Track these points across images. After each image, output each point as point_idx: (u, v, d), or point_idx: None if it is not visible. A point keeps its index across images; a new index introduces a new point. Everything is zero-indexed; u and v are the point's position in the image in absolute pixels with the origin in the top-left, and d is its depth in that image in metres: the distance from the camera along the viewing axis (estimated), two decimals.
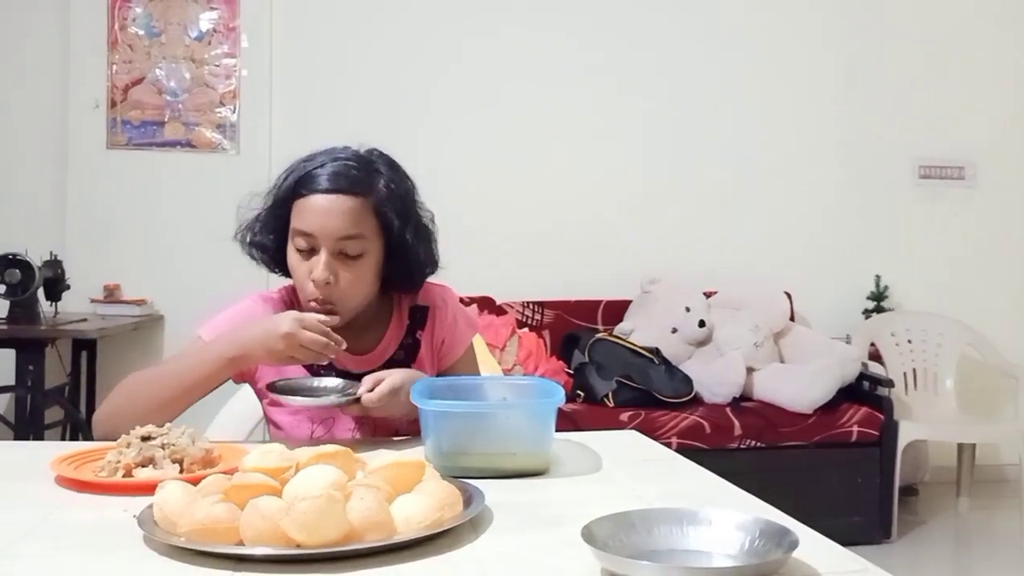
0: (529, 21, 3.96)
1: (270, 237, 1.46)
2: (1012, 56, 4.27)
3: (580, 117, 3.99)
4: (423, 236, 1.48)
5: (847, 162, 4.18)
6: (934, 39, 4.21)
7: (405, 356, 1.53)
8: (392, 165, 1.47)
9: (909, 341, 3.90)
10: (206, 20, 3.78)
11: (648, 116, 4.03)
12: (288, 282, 1.55)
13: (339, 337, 1.34)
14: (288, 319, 1.33)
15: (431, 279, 1.56)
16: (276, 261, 1.49)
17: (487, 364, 3.13)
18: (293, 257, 1.42)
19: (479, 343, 2.81)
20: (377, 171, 1.43)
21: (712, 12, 4.07)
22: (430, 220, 1.51)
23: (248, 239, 1.49)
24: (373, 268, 1.43)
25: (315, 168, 1.40)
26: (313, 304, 1.40)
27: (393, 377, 1.37)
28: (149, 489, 1.01)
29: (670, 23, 4.05)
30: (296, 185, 1.41)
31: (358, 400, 1.35)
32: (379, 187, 1.42)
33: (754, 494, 1.12)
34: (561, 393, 1.26)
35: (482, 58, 3.94)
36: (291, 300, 1.53)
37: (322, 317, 1.34)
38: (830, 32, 4.16)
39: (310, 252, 1.40)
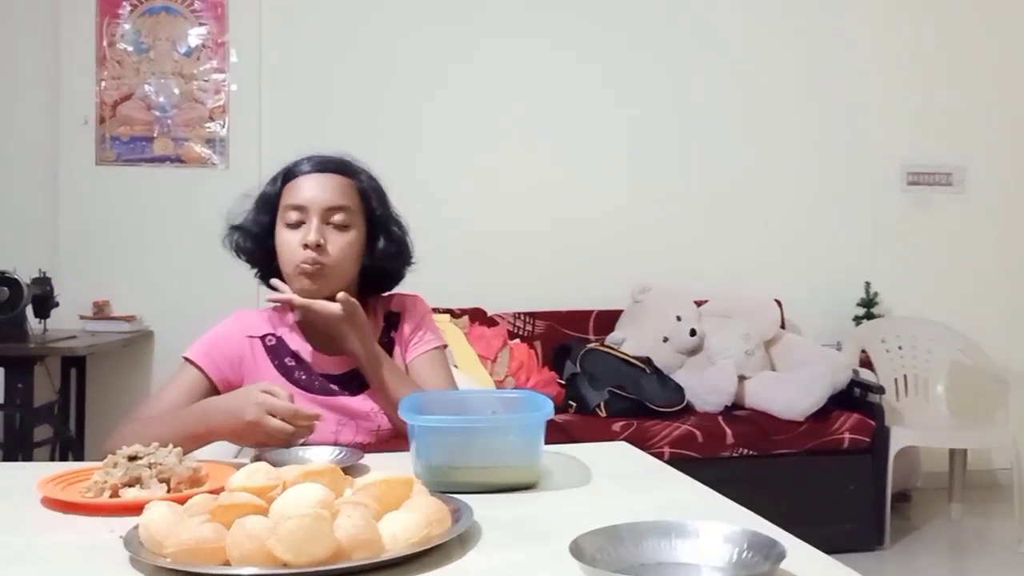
0: (518, 35, 3.97)
1: (257, 221, 1.55)
2: (1000, 62, 4.30)
3: (570, 127, 4.00)
4: (401, 227, 1.61)
5: (835, 169, 4.20)
6: (922, 45, 4.24)
7: None
8: (366, 166, 1.60)
9: (900, 347, 3.91)
10: (195, 36, 3.78)
11: (637, 126, 4.04)
12: (262, 307, 1.62)
13: (311, 418, 1.30)
14: (253, 405, 1.29)
15: (405, 288, 1.66)
16: (259, 254, 1.56)
17: (477, 376, 3.12)
18: (283, 234, 1.51)
19: (468, 360, 2.80)
20: (355, 165, 1.58)
21: (700, 20, 4.09)
22: (402, 219, 1.63)
23: (236, 235, 1.57)
24: (358, 245, 1.53)
25: (301, 160, 1.55)
26: (304, 262, 1.47)
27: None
28: (136, 509, 1.00)
29: (658, 33, 4.07)
30: (287, 173, 1.54)
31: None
32: (360, 175, 1.57)
33: (746, 502, 1.12)
34: (550, 406, 1.26)
35: (472, 72, 3.95)
36: (271, 319, 1.59)
37: (289, 405, 1.29)
38: (818, 39, 4.18)
39: (299, 225, 1.50)
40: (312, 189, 1.50)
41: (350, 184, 1.53)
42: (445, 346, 1.68)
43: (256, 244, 1.56)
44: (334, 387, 1.55)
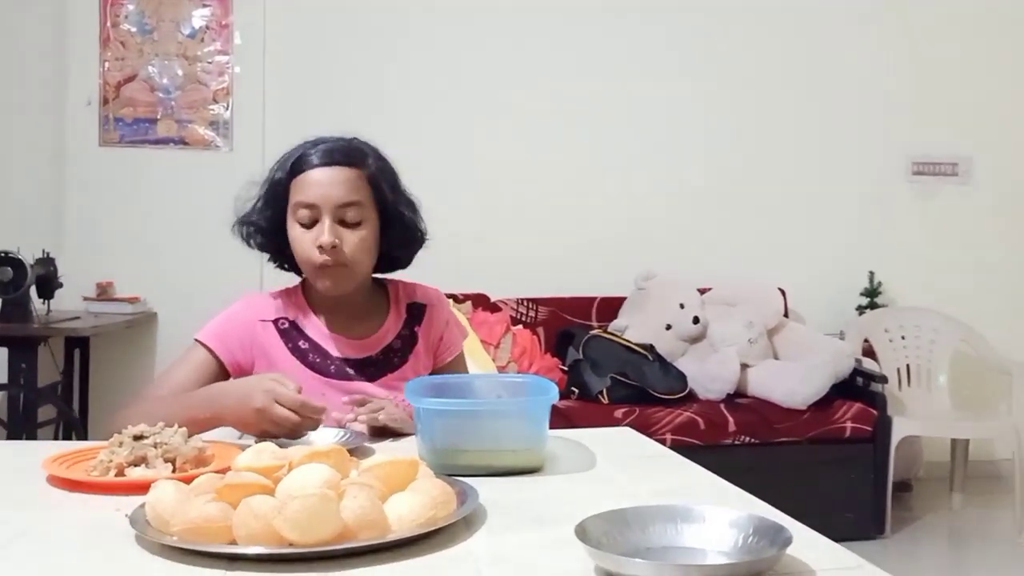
0: (524, 21, 3.95)
1: (267, 215, 1.53)
2: (1005, 51, 4.28)
3: (574, 115, 3.98)
4: (412, 207, 1.58)
5: (841, 158, 4.18)
6: (927, 34, 4.21)
7: (403, 345, 1.60)
8: (374, 147, 1.56)
9: (903, 337, 3.91)
10: (199, 17, 3.77)
11: (641, 114, 4.03)
12: (279, 286, 1.61)
13: (317, 411, 1.30)
14: (261, 393, 1.29)
15: (426, 282, 1.66)
16: (272, 245, 1.56)
17: (480, 362, 3.13)
18: (296, 231, 1.49)
19: (471, 345, 2.84)
20: (363, 150, 1.54)
21: (706, 10, 4.06)
22: (413, 196, 1.60)
23: (245, 225, 1.55)
24: (372, 236, 1.51)
25: (308, 149, 1.51)
26: (322, 264, 1.46)
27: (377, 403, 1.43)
28: (142, 488, 1.00)
29: (664, 22, 4.05)
30: (293, 166, 1.50)
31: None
32: (369, 162, 1.52)
33: (748, 490, 1.12)
34: (555, 390, 1.26)
35: (479, 56, 3.93)
36: (283, 303, 1.58)
37: (296, 396, 1.29)
38: (822, 29, 4.15)
39: (312, 224, 1.47)
40: (322, 186, 1.46)
41: (359, 175, 1.49)
42: (466, 336, 1.71)
43: (268, 238, 1.55)
44: (350, 371, 1.54)
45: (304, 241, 1.48)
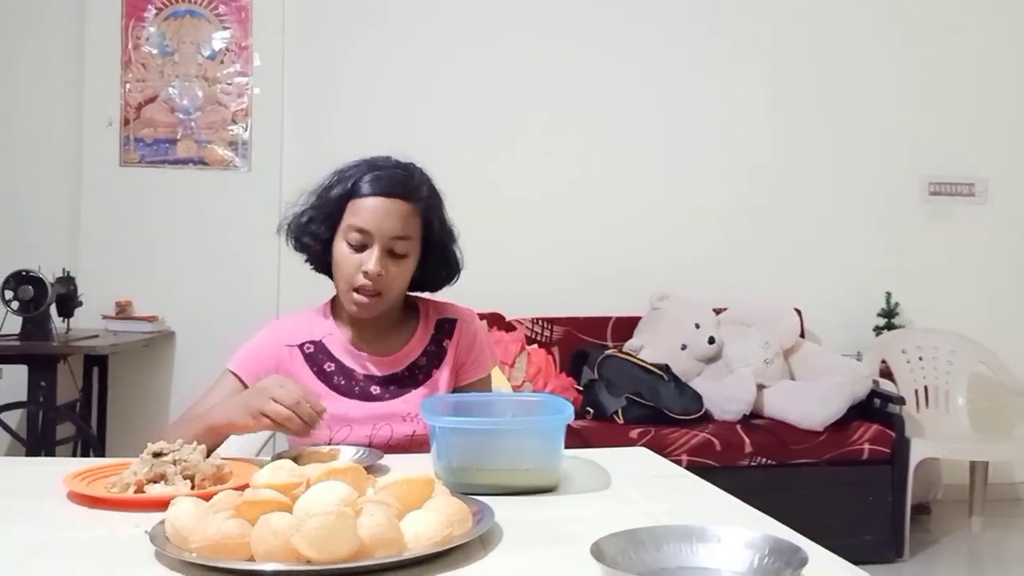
0: (543, 43, 3.98)
1: (322, 228, 1.55)
2: (1022, 72, 4.27)
3: (590, 136, 4.00)
4: (453, 239, 1.62)
5: (857, 178, 4.18)
6: (943, 55, 4.21)
7: (428, 362, 1.61)
8: (427, 177, 1.60)
9: (920, 358, 3.89)
10: (219, 39, 3.82)
11: (657, 133, 4.04)
12: (294, 309, 1.65)
13: (312, 413, 1.31)
14: (273, 382, 1.34)
15: (459, 303, 1.69)
16: (319, 256, 1.58)
17: (495, 381, 3.13)
18: (343, 250, 1.52)
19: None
20: (419, 183, 1.56)
21: (722, 29, 4.09)
22: (455, 227, 1.63)
23: (297, 230, 1.57)
24: (412, 268, 1.55)
25: (367, 173, 1.52)
26: (357, 293, 1.49)
27: None
28: (161, 505, 1.01)
29: (679, 42, 4.07)
30: (353, 187, 1.51)
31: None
32: (424, 194, 1.55)
33: (764, 512, 1.12)
34: (570, 410, 1.26)
35: (496, 76, 3.97)
36: (309, 325, 1.61)
37: (295, 397, 1.30)
38: (839, 49, 4.16)
39: (361, 248, 1.50)
40: (378, 216, 1.49)
41: (413, 210, 1.52)
42: (496, 361, 1.74)
43: (319, 248, 1.57)
44: (375, 390, 1.56)
45: (350, 262, 1.50)
